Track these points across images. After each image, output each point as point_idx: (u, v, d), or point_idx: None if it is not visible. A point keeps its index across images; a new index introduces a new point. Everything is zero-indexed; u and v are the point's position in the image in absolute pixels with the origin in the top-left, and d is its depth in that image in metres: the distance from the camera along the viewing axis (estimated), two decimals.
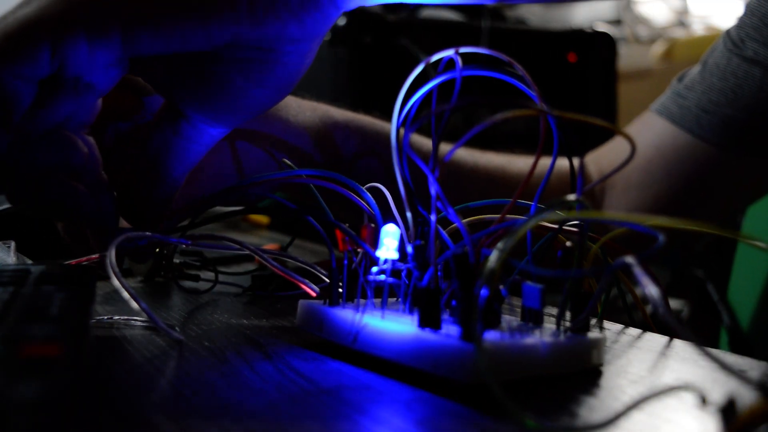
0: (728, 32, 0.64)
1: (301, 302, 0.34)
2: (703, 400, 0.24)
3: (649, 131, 0.67)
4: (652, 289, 0.23)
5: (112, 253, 0.31)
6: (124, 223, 0.41)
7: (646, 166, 0.66)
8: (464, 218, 0.34)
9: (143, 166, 0.39)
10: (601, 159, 0.69)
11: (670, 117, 0.65)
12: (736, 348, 0.74)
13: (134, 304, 0.31)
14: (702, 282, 0.89)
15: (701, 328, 0.98)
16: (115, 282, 0.30)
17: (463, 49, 0.32)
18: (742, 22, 0.63)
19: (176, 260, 0.47)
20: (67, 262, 0.39)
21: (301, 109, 0.50)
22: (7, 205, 0.51)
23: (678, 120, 0.65)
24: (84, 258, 0.39)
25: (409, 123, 0.32)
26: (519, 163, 0.64)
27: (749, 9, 0.63)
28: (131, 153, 0.41)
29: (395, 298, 0.34)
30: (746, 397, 0.22)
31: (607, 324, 0.38)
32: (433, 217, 0.31)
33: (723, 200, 0.67)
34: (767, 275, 0.74)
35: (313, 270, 0.41)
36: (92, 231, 0.40)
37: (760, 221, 0.78)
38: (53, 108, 0.35)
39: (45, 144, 0.36)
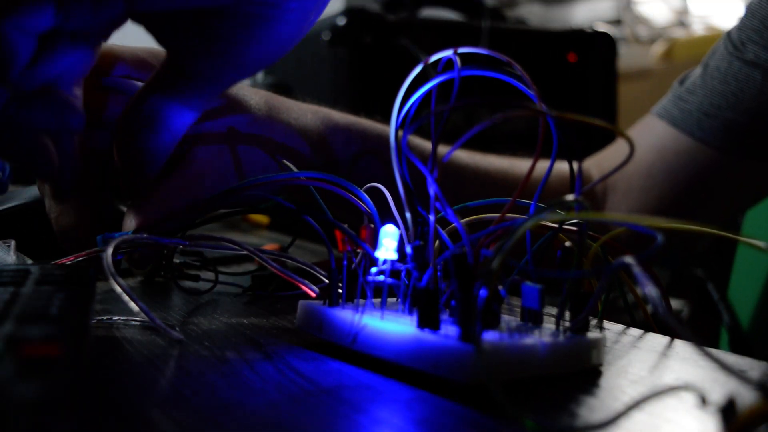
0: (729, 34, 0.64)
1: (301, 303, 0.34)
2: (703, 400, 0.24)
3: (650, 134, 0.67)
4: (651, 289, 0.23)
5: (109, 255, 0.31)
6: (128, 224, 0.41)
7: (648, 169, 0.66)
8: (463, 218, 0.34)
9: (135, 126, 0.39)
10: (603, 162, 0.69)
11: (672, 120, 0.65)
12: (736, 348, 0.74)
13: (134, 305, 0.31)
14: (702, 282, 0.89)
15: (701, 328, 0.98)
16: (114, 284, 0.30)
17: (462, 50, 0.32)
18: (742, 24, 0.63)
19: (176, 260, 0.47)
20: (58, 261, 0.39)
21: (302, 112, 0.50)
22: (7, 205, 0.51)
23: (679, 123, 0.65)
24: (73, 256, 0.39)
25: (409, 123, 0.32)
26: (521, 165, 0.64)
27: (750, 11, 0.63)
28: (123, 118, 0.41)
29: (394, 299, 0.34)
30: (746, 397, 0.22)
31: (607, 324, 0.38)
32: (431, 218, 0.31)
33: (724, 203, 0.67)
34: (767, 275, 0.74)
35: (312, 270, 0.41)
36: (52, 192, 0.41)
37: (759, 222, 0.78)
38: (50, 62, 0.35)
39: (40, 103, 0.36)
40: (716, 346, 0.78)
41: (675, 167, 0.65)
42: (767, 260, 0.73)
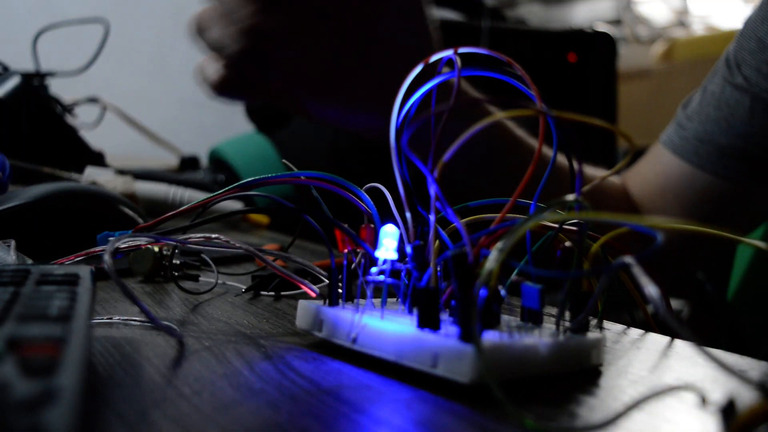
0: (727, 54, 0.65)
1: (301, 302, 0.34)
2: (703, 400, 0.24)
3: (658, 162, 0.69)
4: (651, 289, 0.23)
5: (109, 255, 0.31)
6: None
7: (661, 194, 0.69)
8: (463, 218, 0.34)
9: None
10: (635, 175, 0.72)
11: (673, 148, 0.68)
12: (734, 348, 0.75)
13: (134, 305, 0.31)
14: (701, 283, 0.89)
15: (701, 328, 0.98)
16: (114, 284, 0.30)
17: (462, 50, 0.32)
18: (739, 45, 0.64)
19: (176, 260, 0.47)
20: (58, 261, 0.39)
21: None
22: (7, 205, 0.51)
23: (679, 151, 0.67)
24: (73, 256, 0.39)
25: (408, 123, 0.32)
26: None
27: (747, 30, 0.64)
28: None
29: (394, 299, 0.34)
30: (746, 397, 0.22)
31: (607, 324, 0.38)
32: (432, 217, 0.31)
33: (730, 226, 0.68)
34: (766, 275, 0.74)
35: (312, 270, 0.41)
36: None
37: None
38: None
39: None
40: (716, 346, 0.78)
41: (681, 193, 0.67)
42: (766, 260, 0.74)
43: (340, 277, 0.34)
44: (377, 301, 0.33)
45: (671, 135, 0.68)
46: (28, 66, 0.85)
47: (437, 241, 0.32)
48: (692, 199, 0.67)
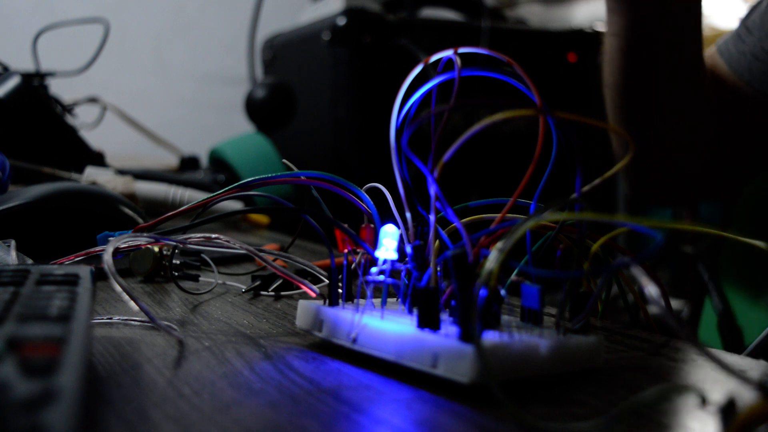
0: None
1: (301, 302, 0.34)
2: (703, 400, 0.24)
3: (714, 66, 0.67)
4: (651, 289, 0.23)
5: (109, 255, 0.32)
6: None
7: (713, 97, 0.67)
8: (463, 218, 0.34)
9: None
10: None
11: (729, 60, 0.66)
12: (724, 332, 0.74)
13: (134, 305, 0.31)
14: (693, 259, 0.88)
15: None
16: (114, 284, 0.30)
17: (462, 50, 0.32)
18: None
19: (176, 260, 0.47)
20: (58, 261, 0.39)
21: None
22: (7, 205, 0.51)
23: (734, 65, 0.65)
24: (73, 255, 0.39)
25: (408, 123, 0.32)
26: None
27: None
28: None
29: (395, 299, 0.34)
30: (746, 397, 0.22)
31: (607, 324, 0.38)
32: (432, 217, 0.31)
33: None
34: (755, 267, 0.73)
35: (312, 270, 0.41)
36: None
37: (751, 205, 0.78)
38: None
39: None
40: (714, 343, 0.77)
41: (731, 104, 0.66)
42: (754, 255, 0.73)
43: (340, 277, 0.34)
44: (377, 301, 0.33)
45: (729, 44, 0.66)
46: (28, 66, 0.85)
47: (437, 241, 0.32)
48: (740, 113, 0.65)
